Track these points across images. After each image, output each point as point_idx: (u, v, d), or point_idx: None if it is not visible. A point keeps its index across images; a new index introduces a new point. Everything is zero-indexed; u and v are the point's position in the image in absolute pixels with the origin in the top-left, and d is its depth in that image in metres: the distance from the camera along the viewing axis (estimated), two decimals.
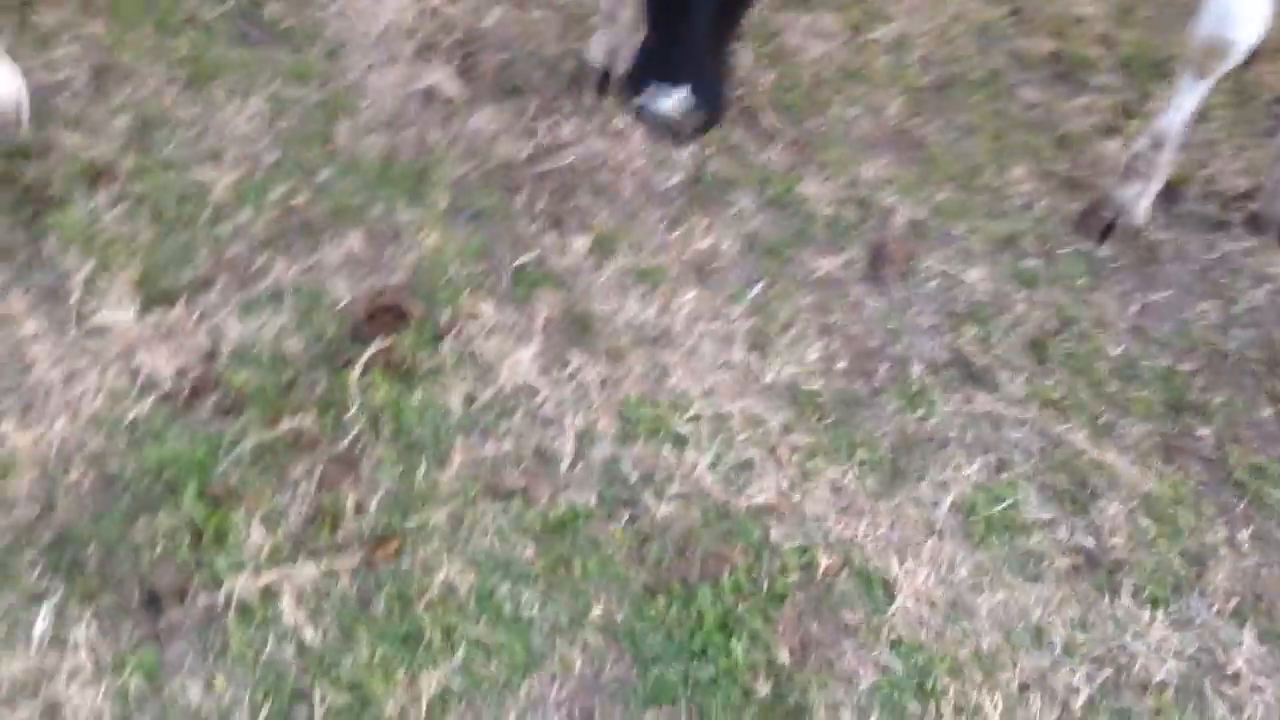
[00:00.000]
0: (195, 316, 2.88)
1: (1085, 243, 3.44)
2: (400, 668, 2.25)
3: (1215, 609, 2.47)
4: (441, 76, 3.81)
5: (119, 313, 2.86)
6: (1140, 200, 3.45)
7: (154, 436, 2.59)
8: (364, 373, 2.75)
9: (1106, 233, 3.47)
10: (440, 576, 2.40)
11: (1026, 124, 3.92)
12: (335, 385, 2.73)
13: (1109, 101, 3.98)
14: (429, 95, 3.72)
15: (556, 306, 3.05)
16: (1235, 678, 2.35)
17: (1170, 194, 3.53)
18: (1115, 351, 3.09)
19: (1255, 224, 3.52)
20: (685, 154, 3.71)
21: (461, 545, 2.47)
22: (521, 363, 2.88)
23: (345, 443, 2.62)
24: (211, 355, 2.79)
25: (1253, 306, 3.26)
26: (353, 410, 2.68)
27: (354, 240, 3.12)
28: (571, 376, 2.87)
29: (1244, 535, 2.61)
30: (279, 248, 3.08)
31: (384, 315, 2.93)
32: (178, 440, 2.58)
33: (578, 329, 3.00)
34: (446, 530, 2.49)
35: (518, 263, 3.13)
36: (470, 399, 2.77)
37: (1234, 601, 2.49)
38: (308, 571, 2.38)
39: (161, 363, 2.75)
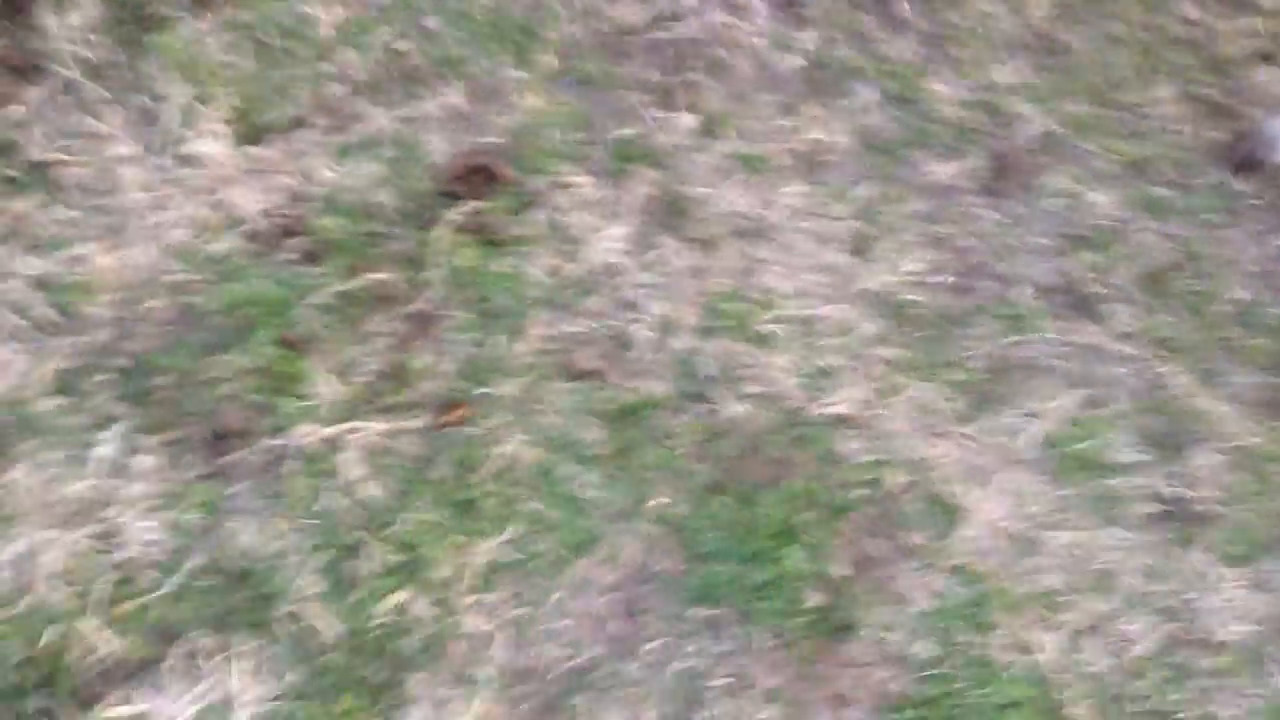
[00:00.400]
0: (288, 156, 2.85)
1: (1224, 174, 3.21)
2: (454, 533, 2.26)
3: None
4: None
5: (213, 143, 2.84)
6: None
7: (235, 274, 2.59)
8: (450, 234, 2.70)
9: (1249, 167, 3.23)
10: (504, 448, 2.39)
11: (1180, 41, 3.64)
12: (420, 243, 2.70)
13: (1274, 25, 3.66)
14: None
15: (653, 185, 2.95)
16: None
17: None
18: (1237, 295, 2.90)
19: None
20: (808, 36, 3.53)
21: (529, 420, 2.45)
22: (610, 241, 2.81)
23: (424, 303, 2.59)
24: (301, 198, 2.76)
25: None
26: (435, 270, 2.64)
27: (454, 94, 3.05)
28: (660, 261, 2.79)
29: None
30: (379, 94, 3.02)
31: (476, 176, 2.87)
32: (259, 280, 2.58)
33: (672, 212, 2.91)
34: (515, 403, 2.47)
35: (618, 135, 3.02)
36: (554, 272, 2.71)
37: None
38: (373, 427, 2.38)
39: (250, 199, 2.74)
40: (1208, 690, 2.19)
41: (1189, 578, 2.35)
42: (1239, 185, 3.16)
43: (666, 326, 2.65)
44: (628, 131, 3.04)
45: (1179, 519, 2.43)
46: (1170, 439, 2.57)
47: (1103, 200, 3.07)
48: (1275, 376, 2.71)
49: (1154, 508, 2.45)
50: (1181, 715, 2.15)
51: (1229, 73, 3.59)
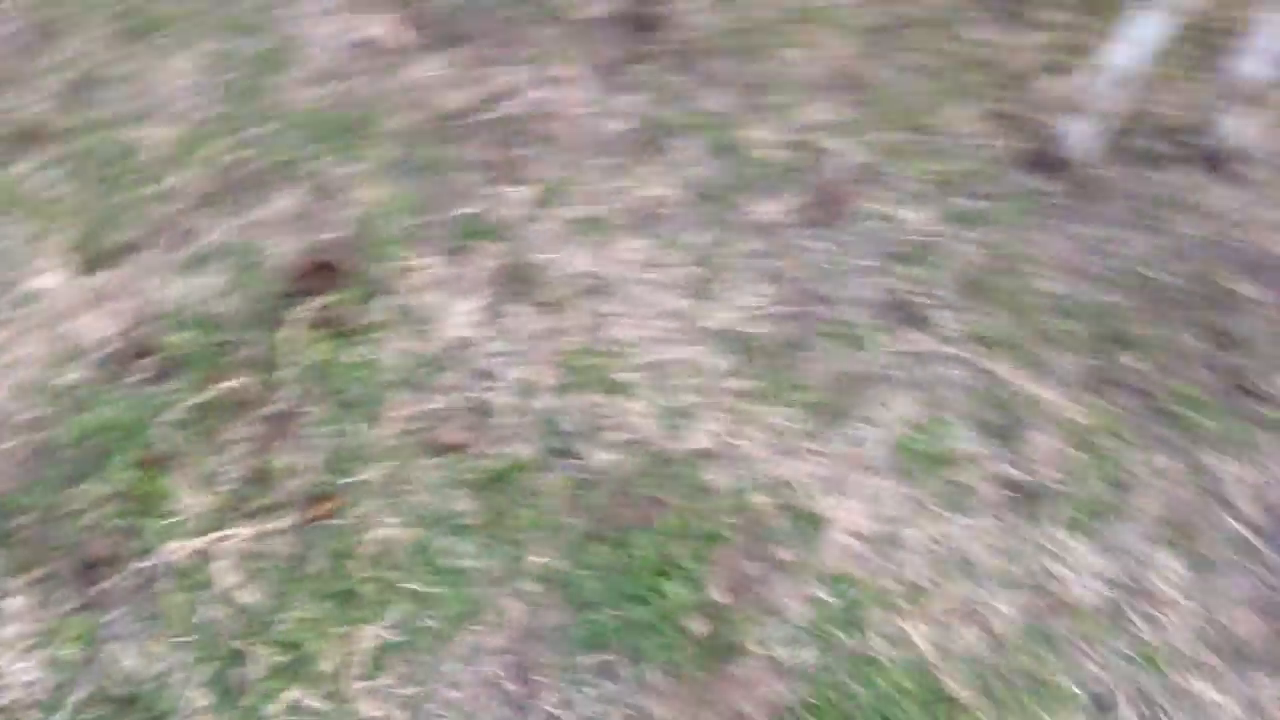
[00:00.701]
0: (131, 279, 2.87)
1: (1028, 180, 3.46)
2: (337, 624, 2.28)
3: (1141, 534, 2.52)
4: (383, 26, 3.78)
5: (53, 277, 2.85)
6: (1085, 137, 3.46)
7: (87, 403, 2.59)
8: (300, 332, 2.75)
9: (1051, 167, 3.48)
10: (376, 533, 2.42)
11: (973, 62, 3.92)
12: (271, 345, 2.74)
13: (1058, 39, 3.98)
14: (370, 45, 3.69)
15: (498, 258, 3.05)
16: (1159, 600, 2.40)
17: (1113, 130, 3.54)
18: (1050, 288, 3.12)
19: (1209, 160, 3.54)
20: (631, 100, 3.70)
21: (398, 501, 2.49)
22: (461, 315, 2.89)
23: (280, 403, 2.63)
24: (147, 318, 2.78)
25: (1187, 241, 3.29)
26: (288, 370, 2.68)
27: (291, 197, 3.11)
28: (511, 328, 2.88)
29: (1171, 461, 2.65)
30: (215, 206, 3.07)
31: (321, 272, 2.93)
32: (110, 406, 2.58)
33: (519, 280, 3.01)
34: (383, 487, 2.51)
35: (458, 214, 3.12)
36: (408, 354, 2.78)
37: (1160, 527, 2.53)
38: (242, 533, 2.39)
39: (96, 327, 2.75)
40: (1076, 651, 2.32)
41: (1042, 551, 2.50)
42: (1043, 186, 3.41)
43: (525, 389, 2.73)
44: (468, 210, 3.14)
45: (1025, 499, 2.59)
46: (1006, 427, 2.74)
47: (918, 218, 3.27)
48: (1092, 358, 2.91)
49: (1001, 492, 2.60)
50: (1056, 678, 2.27)
51: (1021, 86, 3.88)
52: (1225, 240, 3.29)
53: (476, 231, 3.10)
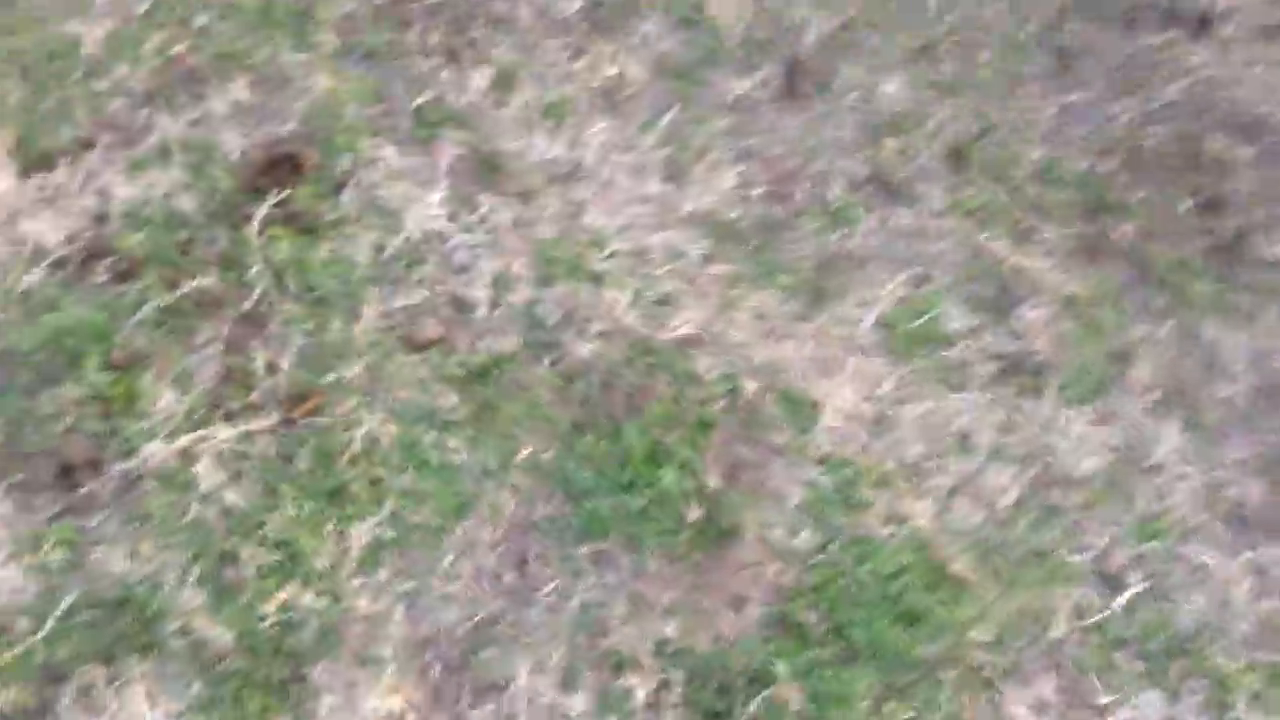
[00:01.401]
0: (80, 179, 2.72)
1: (1003, 46, 3.35)
2: (328, 522, 2.22)
3: (1138, 403, 2.50)
4: None
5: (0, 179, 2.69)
6: None
7: (49, 306, 2.47)
8: (263, 228, 2.63)
9: None
10: (362, 430, 2.35)
11: None
12: (235, 242, 2.61)
13: None
14: None
15: (461, 146, 2.92)
16: (1158, 468, 2.39)
17: None
18: (1035, 155, 3.04)
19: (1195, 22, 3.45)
20: None
21: (382, 398, 2.41)
22: (429, 208, 2.77)
23: (251, 301, 2.52)
24: (101, 218, 2.64)
25: (1170, 101, 3.22)
26: (255, 268, 2.57)
27: (240, 88, 2.95)
28: (482, 220, 2.77)
29: (1165, 330, 2.63)
30: (162, 101, 2.91)
31: (280, 166, 2.79)
32: (75, 308, 2.46)
33: (485, 169, 2.89)
34: (365, 384, 2.43)
35: (417, 103, 2.98)
36: (378, 249, 2.67)
37: (1156, 395, 2.51)
38: (224, 433, 2.31)
39: (48, 229, 2.61)
40: (1077, 524, 2.32)
41: (1040, 424, 2.48)
42: (1019, 55, 3.31)
43: (502, 282, 2.64)
44: (425, 97, 3.00)
45: (1020, 373, 2.56)
46: (997, 301, 2.70)
47: (894, 87, 3.17)
48: (1083, 226, 2.86)
49: (995, 367, 2.57)
50: (1059, 551, 2.26)
51: None
52: (1209, 102, 3.23)
53: (437, 119, 2.96)
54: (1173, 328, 2.63)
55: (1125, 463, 2.40)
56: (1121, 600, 2.20)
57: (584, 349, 2.54)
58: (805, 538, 2.27)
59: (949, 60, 3.26)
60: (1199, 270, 2.75)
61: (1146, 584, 2.22)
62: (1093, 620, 2.18)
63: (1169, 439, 2.44)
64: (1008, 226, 2.86)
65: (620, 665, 2.09)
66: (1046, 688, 2.10)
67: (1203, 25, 3.48)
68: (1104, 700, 2.09)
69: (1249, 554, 2.26)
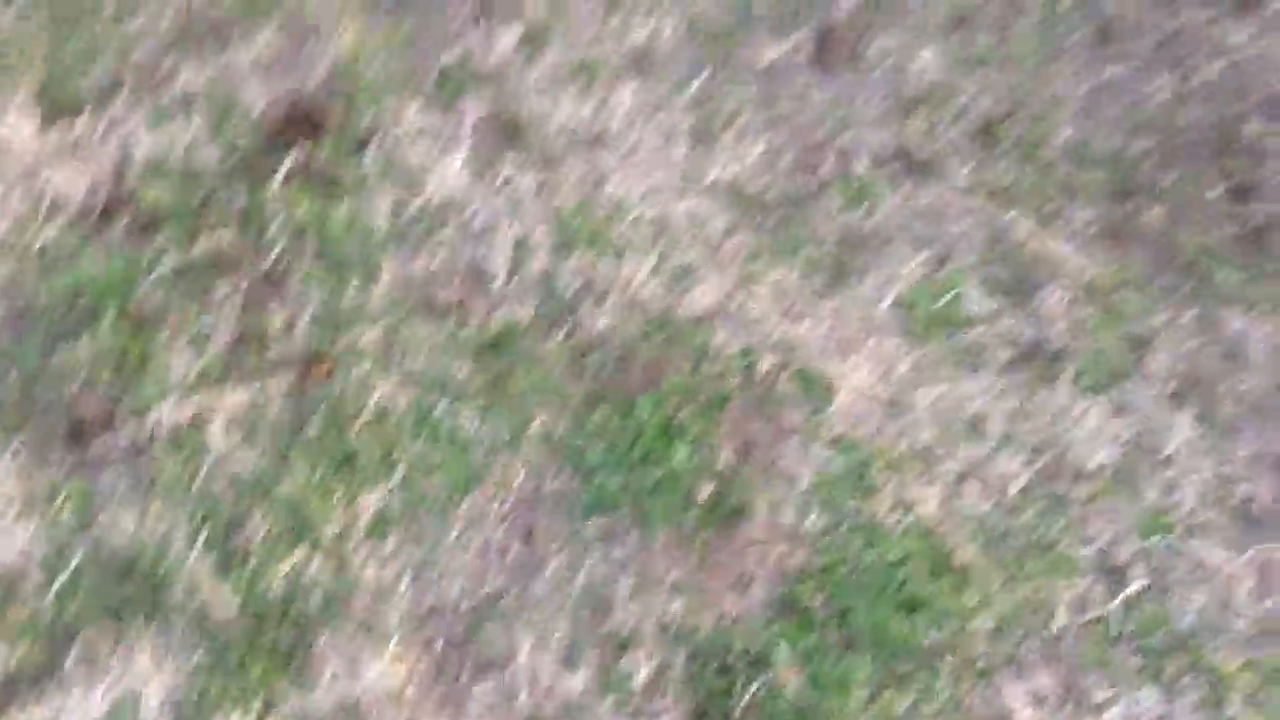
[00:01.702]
0: (101, 129, 2.72)
1: (1041, 18, 3.27)
2: (338, 489, 2.24)
3: (1154, 394, 2.48)
4: None
5: (19, 127, 2.69)
6: None
7: (67, 260, 2.48)
8: (283, 185, 2.62)
9: None
10: (375, 397, 2.36)
11: None
12: (254, 200, 2.61)
13: None
14: None
15: (486, 107, 2.90)
16: (1169, 461, 2.37)
17: None
18: (1066, 134, 2.99)
19: None
20: None
21: (395, 364, 2.42)
22: (450, 171, 2.76)
23: (269, 261, 2.53)
24: (121, 171, 2.65)
25: (1208, 81, 3.14)
26: (274, 226, 2.57)
27: (265, 39, 2.93)
28: (504, 184, 2.75)
29: (1187, 318, 2.59)
30: (186, 49, 2.89)
31: (302, 122, 2.78)
32: (92, 263, 2.48)
33: (509, 132, 2.86)
34: (379, 349, 2.43)
35: (443, 60, 2.95)
36: (398, 211, 2.66)
37: (1173, 385, 2.49)
38: (237, 396, 2.33)
39: (68, 181, 2.61)
40: (1083, 515, 2.31)
41: (1054, 413, 2.46)
42: (1056, 27, 3.24)
43: (521, 250, 2.63)
44: (452, 55, 2.97)
45: (1037, 359, 2.54)
46: (1018, 284, 2.67)
47: (927, 58, 3.11)
48: (1110, 209, 2.82)
49: (1012, 352, 2.55)
50: (1063, 543, 2.26)
51: None
52: (1247, 82, 3.15)
53: (463, 78, 2.94)
54: (1194, 316, 2.59)
55: (1136, 455, 2.39)
56: (1123, 595, 2.20)
57: (600, 321, 2.54)
58: (813, 520, 2.27)
59: (985, 32, 3.19)
60: (1225, 258, 2.70)
61: (1149, 580, 2.21)
62: (1093, 615, 2.18)
63: (1182, 431, 2.42)
64: (1033, 207, 2.81)
65: (623, 645, 2.11)
66: (1044, 680, 2.11)
67: (1246, 2, 3.39)
68: (1100, 696, 2.10)
69: (1254, 552, 2.25)
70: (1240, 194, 2.86)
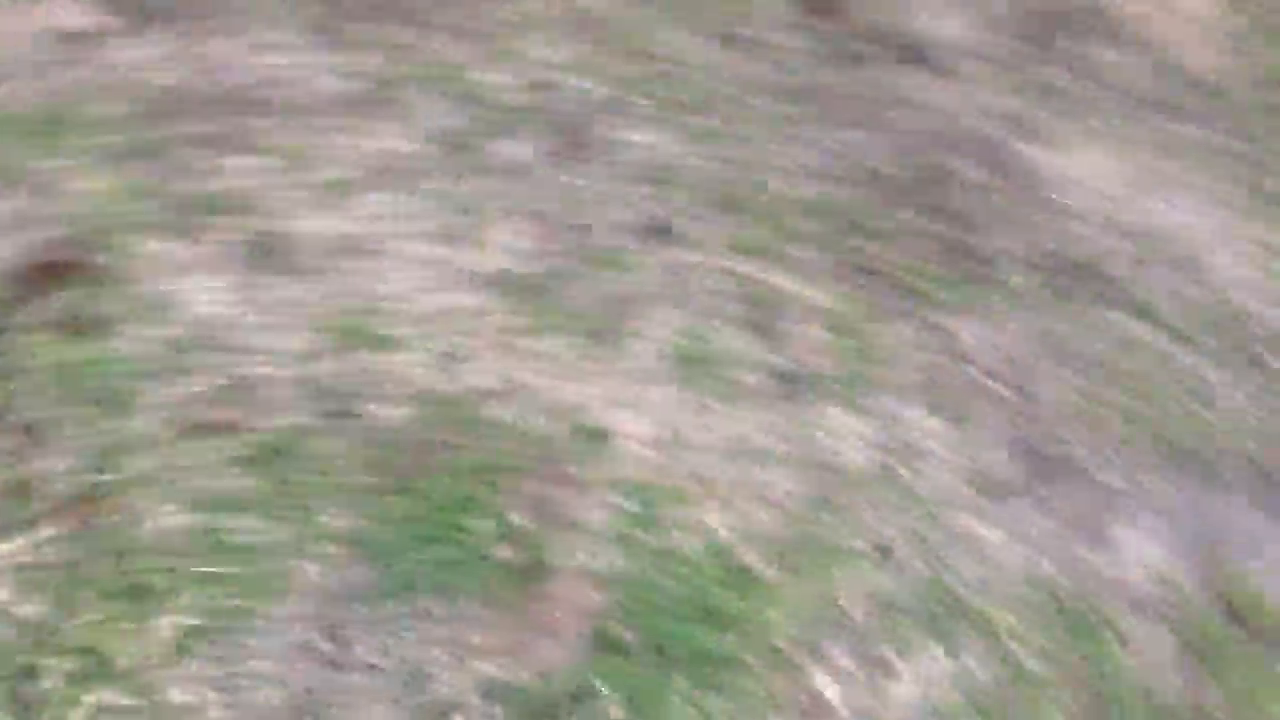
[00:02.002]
0: None
1: (762, 97, 3.59)
2: (129, 620, 2.18)
3: (898, 399, 2.71)
4: (75, 11, 3.55)
5: None
6: None
7: None
8: (36, 334, 2.58)
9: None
10: (155, 524, 2.32)
11: None
12: (6, 352, 2.55)
13: None
14: (64, 33, 3.47)
15: (241, 232, 2.94)
16: (920, 453, 2.60)
17: (822, 34, 3.73)
18: (792, 192, 3.27)
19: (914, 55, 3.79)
20: (354, 59, 3.63)
21: (173, 489, 2.39)
22: (208, 294, 2.78)
23: (26, 410, 2.47)
24: None
25: (909, 134, 3.52)
26: (29, 375, 2.52)
27: (5, 200, 2.90)
28: (265, 301, 2.79)
29: (915, 330, 2.86)
30: None
31: (51, 272, 2.75)
32: None
33: (267, 251, 2.92)
34: (153, 478, 2.40)
35: (192, 191, 2.99)
36: (154, 341, 2.65)
37: (915, 391, 2.73)
38: (11, 548, 2.25)
39: None
40: (855, 512, 2.49)
41: (814, 428, 2.66)
42: (775, 106, 3.56)
43: (290, 359, 2.66)
44: (202, 187, 3.01)
45: (794, 384, 2.74)
46: (769, 323, 2.89)
47: (663, 141, 3.36)
48: (837, 251, 3.09)
49: (772, 382, 2.74)
50: (842, 539, 2.42)
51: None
52: (942, 129, 3.54)
53: (215, 208, 2.98)
54: (920, 328, 2.86)
55: (894, 454, 2.60)
56: (900, 574, 2.37)
57: (381, 414, 2.59)
58: (613, 561, 2.36)
59: (712, 112, 3.48)
60: (943, 278, 3.01)
61: (918, 556, 2.40)
62: (875, 594, 2.35)
63: (929, 428, 2.65)
64: (772, 256, 3.06)
65: (444, 714, 2.12)
66: (843, 660, 2.25)
67: (924, 57, 3.83)
68: (896, 664, 2.25)
69: (1006, 519, 2.48)
70: (947, 223, 3.21)
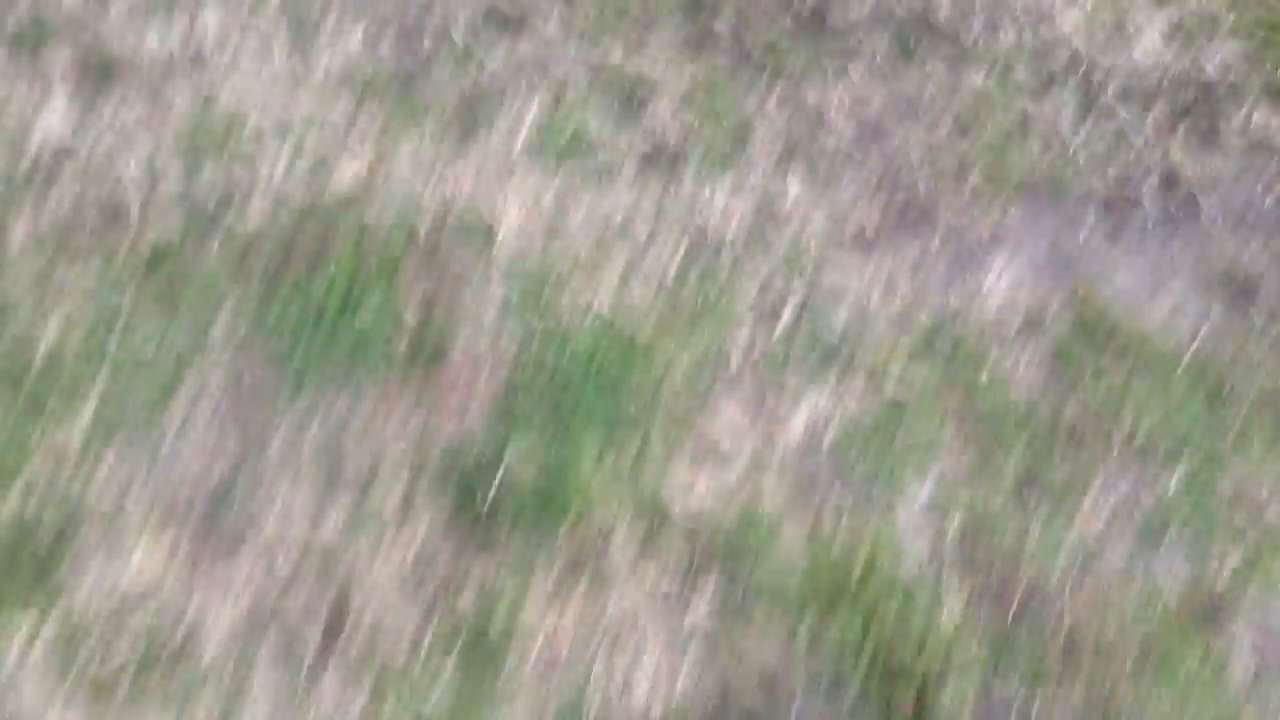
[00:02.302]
0: None
1: None
2: (33, 433, 2.18)
3: (763, 167, 2.82)
4: None
5: None
6: None
7: None
8: None
9: None
10: (43, 347, 2.29)
11: None
12: None
13: None
14: None
15: (72, 54, 2.81)
16: (789, 217, 2.73)
17: None
18: None
19: None
20: None
21: (54, 311, 2.35)
22: (51, 122, 2.67)
23: None
24: None
25: None
26: None
27: None
28: (112, 122, 2.70)
29: (773, 100, 2.95)
30: None
31: None
32: None
33: (102, 73, 2.79)
34: (34, 301, 2.36)
35: (14, 16, 2.82)
36: (8, 169, 2.55)
37: (776, 157, 2.84)
38: None
39: None
40: (733, 276, 2.62)
41: (686, 203, 2.75)
42: None
43: (148, 179, 2.60)
44: (21, 10, 2.84)
45: (659, 162, 2.82)
46: (627, 105, 2.93)
47: None
48: (684, 28, 3.12)
49: (637, 162, 2.81)
50: (721, 302, 2.56)
51: None
52: None
53: (41, 29, 2.83)
54: (779, 98, 2.96)
55: (762, 218, 2.73)
56: (780, 327, 2.54)
57: (250, 223, 2.57)
58: (509, 341, 2.45)
59: None
60: (793, 47, 3.08)
61: (798, 312, 2.57)
62: (760, 349, 2.51)
63: (794, 191, 2.78)
64: (621, 37, 3.08)
65: (364, 487, 2.21)
66: (735, 412, 2.42)
67: None
68: (784, 410, 2.43)
69: (874, 269, 2.65)
70: None
